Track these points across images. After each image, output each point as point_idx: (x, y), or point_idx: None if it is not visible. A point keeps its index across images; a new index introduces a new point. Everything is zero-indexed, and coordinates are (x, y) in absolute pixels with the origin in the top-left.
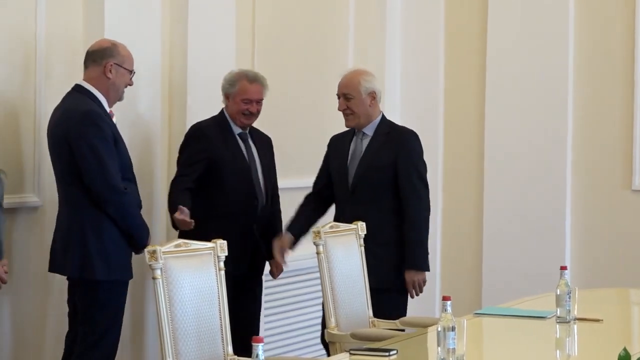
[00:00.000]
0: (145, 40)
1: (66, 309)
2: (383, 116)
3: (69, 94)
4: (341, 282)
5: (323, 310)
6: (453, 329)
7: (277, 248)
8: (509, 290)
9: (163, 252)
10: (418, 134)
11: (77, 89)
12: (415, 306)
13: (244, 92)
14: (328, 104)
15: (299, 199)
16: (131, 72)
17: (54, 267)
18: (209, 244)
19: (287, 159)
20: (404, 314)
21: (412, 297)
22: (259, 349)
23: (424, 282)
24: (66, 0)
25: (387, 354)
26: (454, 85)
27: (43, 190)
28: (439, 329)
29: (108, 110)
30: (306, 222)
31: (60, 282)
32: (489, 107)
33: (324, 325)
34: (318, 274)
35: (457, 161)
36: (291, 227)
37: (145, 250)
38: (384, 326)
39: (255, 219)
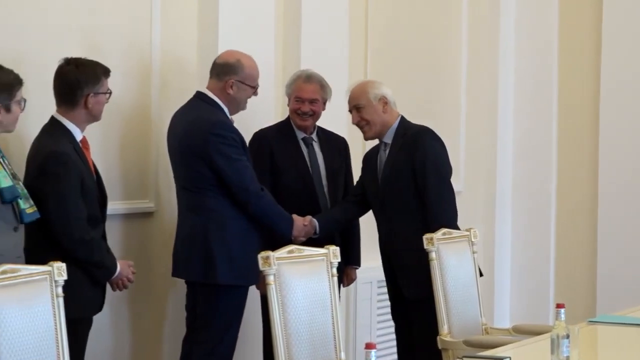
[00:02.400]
0: (258, 46)
1: (184, 313)
2: (401, 119)
3: (192, 102)
4: (454, 289)
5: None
6: (567, 336)
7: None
8: (624, 297)
9: (276, 257)
10: (514, 138)
11: (201, 97)
12: (528, 313)
13: (297, 90)
14: (441, 107)
15: None
16: (254, 87)
17: (177, 272)
18: (322, 250)
19: None
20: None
21: None
22: (372, 355)
23: None
24: (181, 9)
25: None
26: (568, 87)
27: (158, 195)
28: (553, 337)
29: (230, 118)
30: (333, 214)
31: (177, 286)
32: (603, 113)
33: None
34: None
35: (571, 167)
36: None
37: (259, 256)
38: (496, 333)
39: None
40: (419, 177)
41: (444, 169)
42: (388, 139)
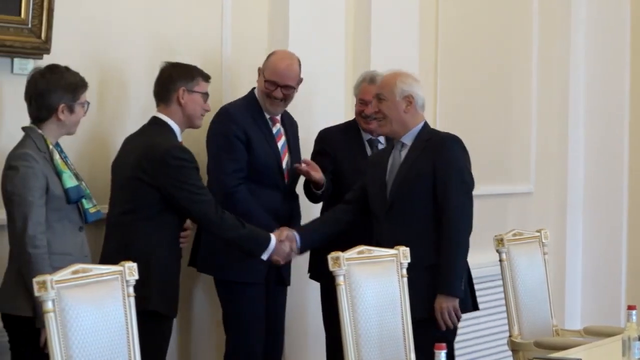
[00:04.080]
0: (328, 46)
1: None
2: (425, 124)
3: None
4: (524, 290)
5: None
6: (639, 338)
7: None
8: None
9: (346, 258)
10: (596, 140)
11: (249, 93)
12: (599, 315)
13: (361, 92)
14: (512, 108)
15: (479, 206)
16: (268, 81)
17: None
18: (392, 251)
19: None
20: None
21: (441, 328)
22: (442, 355)
23: (455, 310)
24: (252, 9)
25: None
26: None
27: None
28: (624, 339)
29: (269, 118)
30: (320, 226)
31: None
32: None
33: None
34: (501, 282)
35: None
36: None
37: (329, 257)
38: (567, 335)
39: None
40: (440, 184)
41: (469, 180)
42: (408, 140)
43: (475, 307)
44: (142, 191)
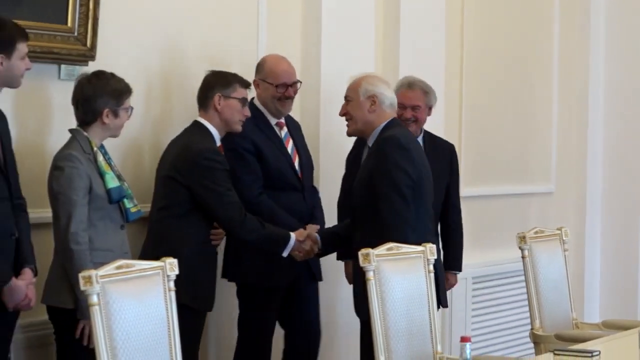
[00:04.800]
0: (359, 53)
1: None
2: (388, 123)
3: None
4: (545, 285)
5: None
6: None
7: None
8: None
9: (376, 255)
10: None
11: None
12: (617, 309)
13: (399, 97)
14: (533, 110)
15: (501, 205)
16: (275, 85)
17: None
18: (419, 248)
19: (494, 165)
20: None
21: None
22: (467, 348)
23: None
24: (285, 20)
25: (590, 355)
26: None
27: None
28: None
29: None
30: (342, 230)
31: None
32: None
33: None
34: (523, 277)
35: None
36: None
37: (359, 253)
38: (587, 328)
39: None
40: (376, 184)
41: (402, 180)
42: (370, 141)
43: (442, 304)
44: (175, 189)
